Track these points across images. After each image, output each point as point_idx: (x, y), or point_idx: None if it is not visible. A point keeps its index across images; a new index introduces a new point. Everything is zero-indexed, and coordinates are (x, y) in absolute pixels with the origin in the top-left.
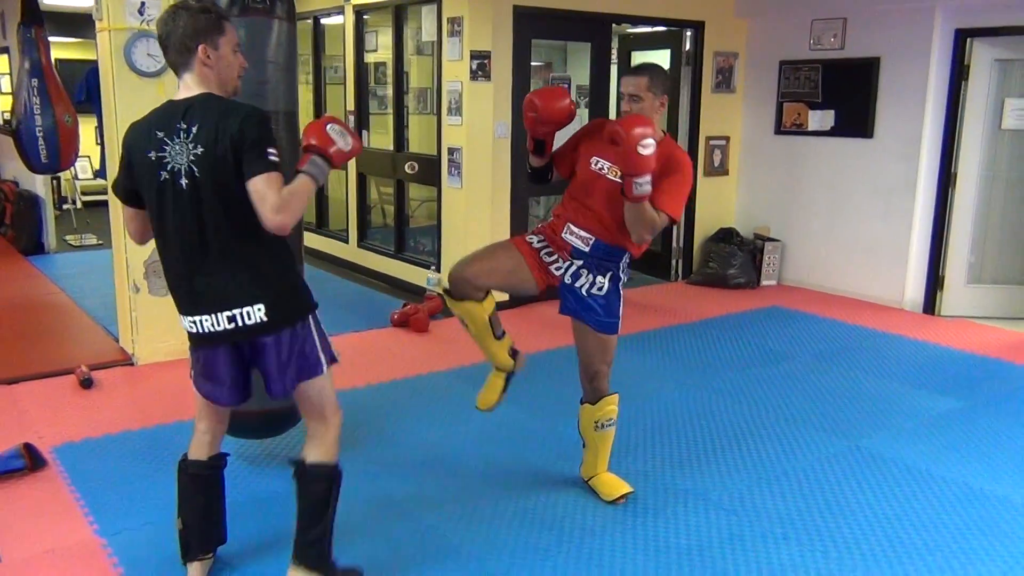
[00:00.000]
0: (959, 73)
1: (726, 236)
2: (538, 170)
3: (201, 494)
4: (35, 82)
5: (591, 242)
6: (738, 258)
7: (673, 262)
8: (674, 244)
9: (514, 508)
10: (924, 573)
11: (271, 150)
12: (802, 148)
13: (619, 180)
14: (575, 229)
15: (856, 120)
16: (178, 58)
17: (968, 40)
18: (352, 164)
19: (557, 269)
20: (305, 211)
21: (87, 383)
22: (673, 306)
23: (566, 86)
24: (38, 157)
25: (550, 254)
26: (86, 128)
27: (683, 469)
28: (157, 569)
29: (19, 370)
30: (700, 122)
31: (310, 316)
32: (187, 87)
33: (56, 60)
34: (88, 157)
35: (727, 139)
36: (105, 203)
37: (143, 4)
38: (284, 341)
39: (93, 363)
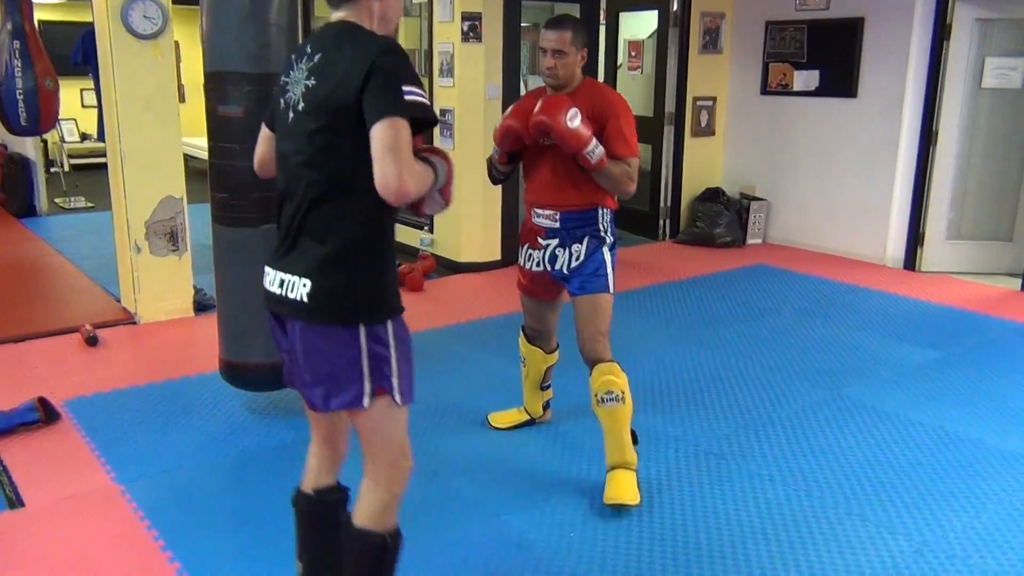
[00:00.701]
0: (941, 32)
1: (713, 196)
2: (507, 172)
3: (313, 532)
4: (16, 44)
5: (557, 216)
6: (725, 217)
7: (661, 222)
8: (662, 204)
9: (511, 453)
10: (901, 510)
11: (408, 88)
12: (788, 108)
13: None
14: (539, 211)
15: (840, 80)
16: None
17: None
18: None
19: (537, 266)
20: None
21: (92, 341)
22: (661, 265)
23: None
24: (17, 119)
25: (530, 257)
26: (70, 92)
27: (672, 417)
28: (176, 513)
29: (26, 329)
30: (687, 83)
31: (364, 327)
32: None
33: (42, 22)
34: (74, 120)
35: (714, 100)
36: (93, 167)
37: None
38: (319, 340)
39: (97, 322)
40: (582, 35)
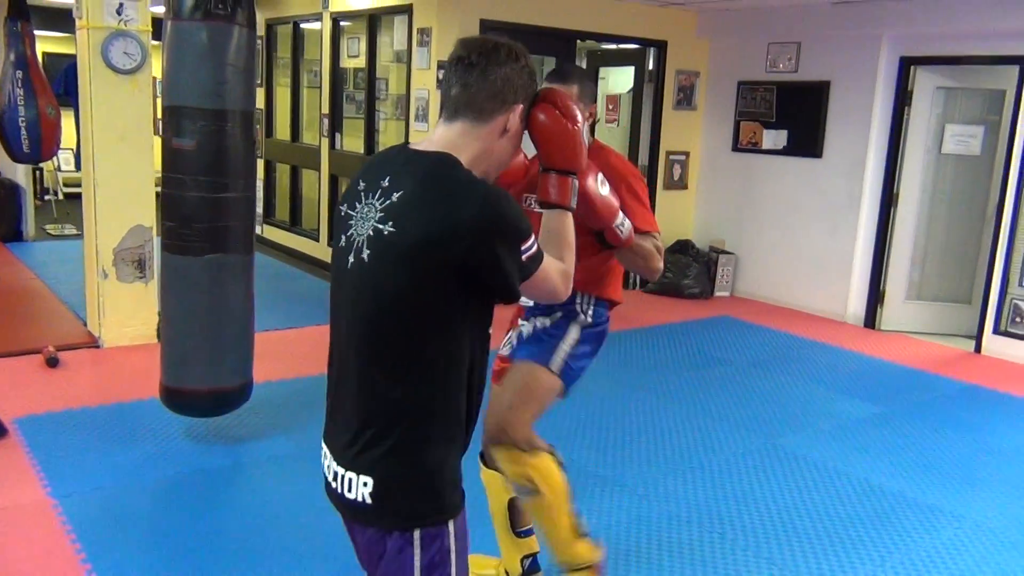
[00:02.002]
0: (903, 98)
1: (683, 248)
2: None
3: None
4: (20, 74)
5: None
6: (693, 269)
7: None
8: None
9: None
10: (808, 556)
11: (525, 247)
12: (757, 165)
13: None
14: None
15: (807, 140)
16: (479, 103)
17: (912, 67)
18: (324, 165)
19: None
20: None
21: (53, 362)
22: (627, 313)
23: None
24: (20, 147)
25: (509, 341)
26: (71, 121)
27: (604, 458)
28: (103, 528)
29: None
30: (661, 138)
31: (420, 531)
32: (437, 140)
33: (44, 54)
34: (71, 149)
35: (687, 155)
36: None
37: (121, 5)
38: (389, 549)
39: (60, 344)
40: (590, 90)
